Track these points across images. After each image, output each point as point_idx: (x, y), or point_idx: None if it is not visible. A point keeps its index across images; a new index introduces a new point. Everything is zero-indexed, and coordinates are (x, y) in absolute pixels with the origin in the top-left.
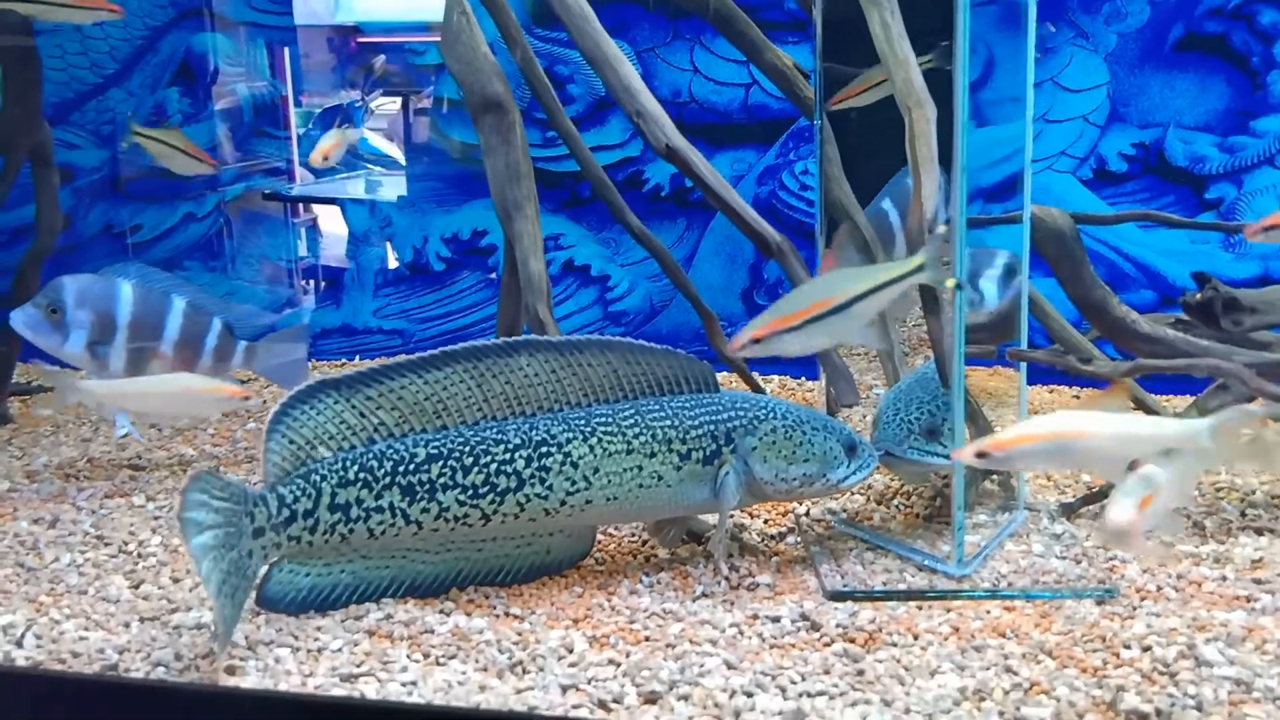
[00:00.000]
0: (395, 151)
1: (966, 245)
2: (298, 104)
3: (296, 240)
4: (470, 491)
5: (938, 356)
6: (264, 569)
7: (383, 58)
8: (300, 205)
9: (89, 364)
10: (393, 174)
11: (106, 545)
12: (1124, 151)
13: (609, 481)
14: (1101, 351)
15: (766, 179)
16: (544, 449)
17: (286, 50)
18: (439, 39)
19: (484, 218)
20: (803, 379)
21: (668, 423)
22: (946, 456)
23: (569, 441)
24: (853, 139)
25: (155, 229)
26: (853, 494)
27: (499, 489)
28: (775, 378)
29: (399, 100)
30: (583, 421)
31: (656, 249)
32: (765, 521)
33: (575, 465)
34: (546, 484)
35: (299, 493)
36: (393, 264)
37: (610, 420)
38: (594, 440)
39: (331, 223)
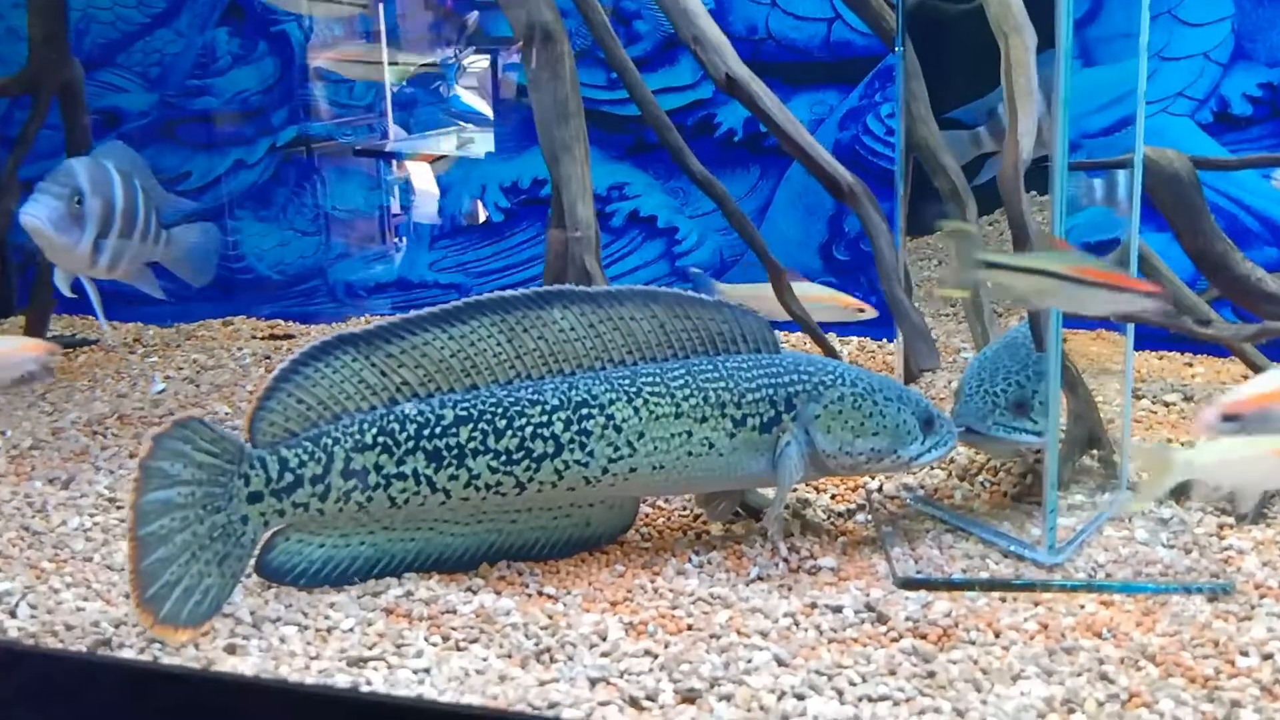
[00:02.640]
0: (485, 107)
1: None
2: (393, 62)
3: (364, 192)
4: (504, 457)
5: (1033, 317)
6: (264, 537)
7: (475, 15)
8: (392, 160)
9: (86, 264)
10: (483, 130)
11: (119, 509)
12: (1249, 93)
13: (655, 448)
14: (1217, 313)
15: (849, 122)
16: (584, 411)
17: (381, 7)
18: None
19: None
20: (884, 340)
21: (721, 385)
22: (1037, 434)
23: (612, 403)
24: (942, 72)
25: (205, 176)
26: (932, 468)
27: (535, 454)
28: (854, 339)
29: (488, 57)
30: (627, 381)
31: (720, 196)
32: (833, 497)
33: (619, 429)
34: (587, 449)
35: (306, 457)
36: (482, 216)
37: (658, 380)
38: (639, 402)
39: (421, 179)
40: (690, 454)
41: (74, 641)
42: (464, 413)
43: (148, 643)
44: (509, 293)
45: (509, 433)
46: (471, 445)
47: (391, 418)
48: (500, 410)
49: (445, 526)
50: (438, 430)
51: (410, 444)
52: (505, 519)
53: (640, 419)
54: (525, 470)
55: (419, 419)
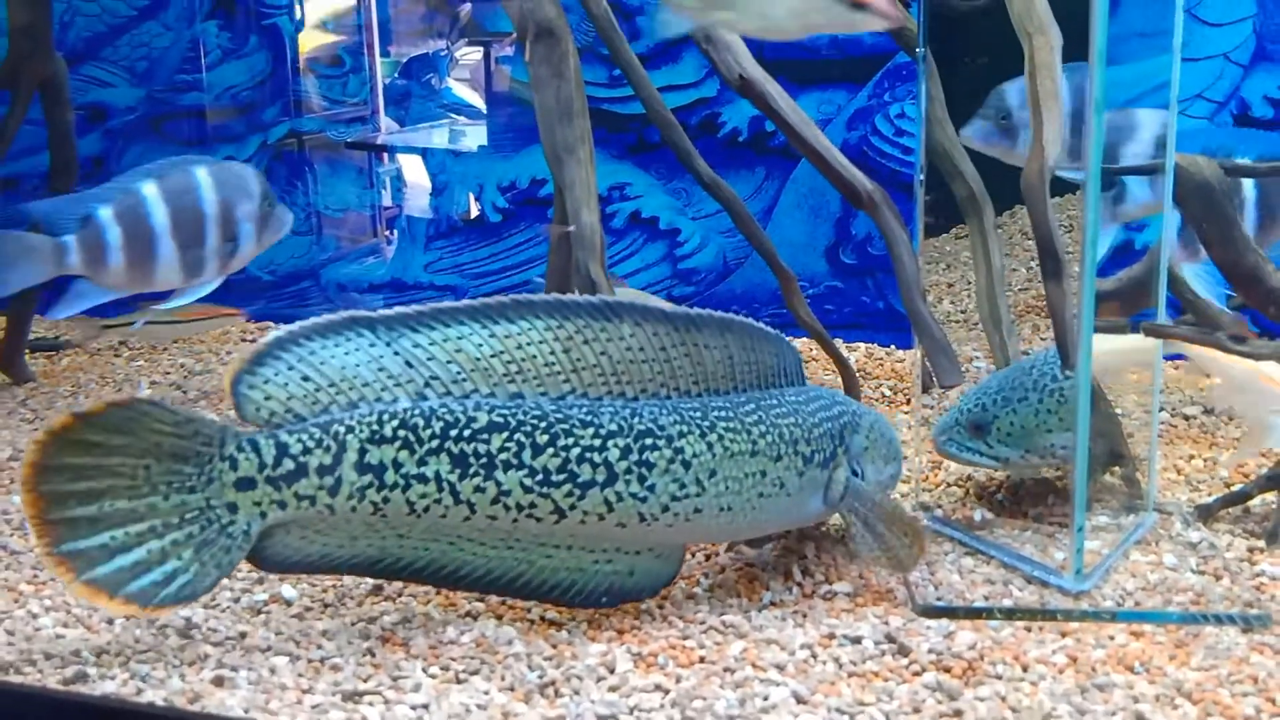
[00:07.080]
0: (477, 100)
1: None
2: (384, 54)
3: (355, 188)
4: (540, 476)
5: (1058, 328)
6: (256, 530)
7: (468, 7)
8: (384, 154)
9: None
10: (475, 123)
11: None
12: (1271, 95)
13: (726, 488)
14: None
15: (857, 123)
16: (648, 440)
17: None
18: None
19: (544, 165)
20: (892, 347)
21: (792, 420)
22: (993, 458)
23: (682, 435)
24: (961, 75)
25: None
26: (949, 486)
27: (580, 480)
28: (861, 345)
29: (481, 50)
30: (699, 414)
31: (728, 199)
32: None
33: (687, 465)
34: (647, 484)
35: (311, 443)
36: (474, 211)
37: (732, 415)
38: (714, 437)
39: (412, 173)
40: (761, 495)
41: (52, 672)
42: (500, 419)
43: (129, 676)
44: (571, 297)
45: (550, 450)
46: (503, 456)
47: (416, 411)
48: (543, 424)
49: (469, 545)
50: (466, 433)
51: (435, 443)
52: (540, 552)
53: (714, 456)
54: (567, 496)
55: (447, 417)
